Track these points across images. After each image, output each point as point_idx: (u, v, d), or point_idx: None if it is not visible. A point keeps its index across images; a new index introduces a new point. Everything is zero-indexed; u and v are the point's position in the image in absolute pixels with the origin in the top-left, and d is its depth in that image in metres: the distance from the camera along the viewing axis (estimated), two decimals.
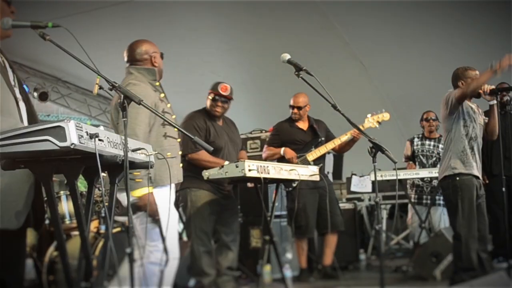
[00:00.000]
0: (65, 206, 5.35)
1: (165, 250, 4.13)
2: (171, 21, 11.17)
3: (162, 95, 4.52)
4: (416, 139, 8.45)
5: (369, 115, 6.94)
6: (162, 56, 4.71)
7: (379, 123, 6.85)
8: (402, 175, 7.71)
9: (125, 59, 4.65)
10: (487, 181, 7.49)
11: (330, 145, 7.01)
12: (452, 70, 6.25)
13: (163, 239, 4.14)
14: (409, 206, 8.43)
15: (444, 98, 6.01)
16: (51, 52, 10.78)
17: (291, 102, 7.23)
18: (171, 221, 4.22)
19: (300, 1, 10.39)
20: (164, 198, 4.18)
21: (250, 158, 6.61)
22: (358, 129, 4.79)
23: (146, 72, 4.53)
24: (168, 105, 4.53)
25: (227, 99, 6.25)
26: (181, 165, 4.73)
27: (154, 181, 4.20)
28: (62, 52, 3.24)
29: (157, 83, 4.53)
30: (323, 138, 7.12)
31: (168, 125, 4.32)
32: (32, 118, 3.32)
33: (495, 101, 5.96)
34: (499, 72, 5.57)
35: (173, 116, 4.56)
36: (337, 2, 10.35)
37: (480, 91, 5.89)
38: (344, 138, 6.92)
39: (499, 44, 10.31)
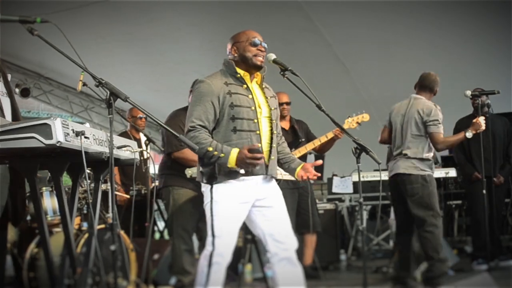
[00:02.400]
0: (47, 202, 5.33)
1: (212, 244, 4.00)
2: (153, 20, 11.14)
3: (244, 86, 4.21)
4: None
5: (349, 117, 6.94)
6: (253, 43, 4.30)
7: (358, 124, 6.84)
8: (385, 176, 7.77)
9: None
10: (478, 176, 7.53)
11: (310, 146, 7.01)
12: (434, 72, 6.37)
13: (213, 235, 4.02)
14: (391, 207, 8.50)
15: (428, 109, 6.13)
16: (33, 48, 10.72)
17: None
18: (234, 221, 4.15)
19: (284, 2, 10.42)
20: (222, 193, 4.04)
21: None
22: (342, 129, 4.79)
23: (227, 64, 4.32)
24: (250, 96, 4.20)
25: None
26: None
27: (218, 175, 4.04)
28: (45, 48, 3.21)
29: (238, 75, 4.24)
30: (303, 139, 7.14)
31: (239, 119, 4.11)
32: (15, 113, 3.31)
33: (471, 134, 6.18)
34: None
35: (252, 108, 4.19)
36: (320, 3, 10.38)
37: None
38: (324, 139, 6.93)
39: (483, 47, 10.42)
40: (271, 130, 4.29)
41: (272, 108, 4.33)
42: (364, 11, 10.28)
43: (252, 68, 4.25)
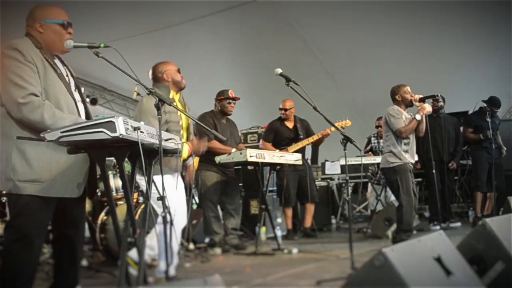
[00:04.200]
0: (112, 182, 5.37)
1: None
2: (188, 45, 11.24)
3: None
4: (373, 138, 8.75)
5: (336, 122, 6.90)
6: (178, 71, 4.48)
7: (342, 128, 6.82)
8: (364, 160, 7.85)
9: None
10: (420, 167, 7.63)
11: (305, 142, 7.11)
12: (406, 80, 6.36)
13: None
14: (369, 184, 8.57)
15: (385, 115, 6.11)
16: (99, 68, 10.75)
17: (280, 106, 7.30)
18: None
19: (284, 29, 10.47)
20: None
21: (249, 147, 6.64)
22: (334, 126, 4.81)
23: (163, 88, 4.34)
24: (178, 113, 4.26)
25: (235, 100, 6.33)
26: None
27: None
28: (108, 67, 3.23)
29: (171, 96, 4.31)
30: (301, 136, 7.17)
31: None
32: (88, 115, 3.33)
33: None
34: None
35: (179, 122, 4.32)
36: (315, 29, 10.40)
37: (412, 98, 6.01)
38: (315, 137, 7.01)
39: (476, 48, 10.25)
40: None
41: None
42: (352, 33, 10.25)
43: None
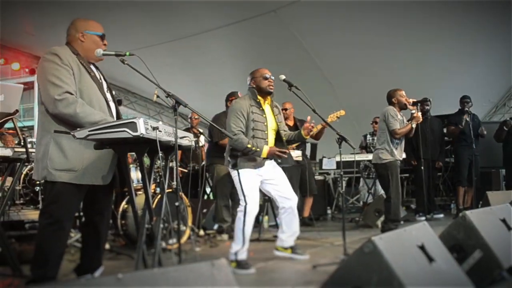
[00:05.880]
0: (133, 174, 5.37)
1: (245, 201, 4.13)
2: (204, 52, 11.23)
3: (261, 108, 4.31)
4: (368, 135, 8.69)
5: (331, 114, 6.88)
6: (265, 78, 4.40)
7: (337, 117, 6.79)
8: (357, 157, 7.81)
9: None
10: (415, 163, 7.56)
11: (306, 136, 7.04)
12: (396, 84, 6.33)
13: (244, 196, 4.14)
14: (361, 178, 8.54)
15: (383, 113, 6.05)
16: (124, 73, 10.80)
17: (281, 107, 7.29)
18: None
19: (288, 40, 10.45)
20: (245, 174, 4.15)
21: None
22: (330, 126, 4.78)
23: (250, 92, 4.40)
24: (263, 115, 4.31)
25: None
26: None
27: (238, 165, 4.15)
28: (132, 72, 3.24)
29: (258, 99, 4.34)
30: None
31: (256, 129, 4.22)
32: (118, 114, 3.37)
33: (415, 111, 6.04)
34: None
35: (264, 123, 4.31)
36: (315, 40, 10.37)
37: (406, 102, 5.97)
38: (315, 130, 6.94)
39: (469, 51, 10.18)
40: (275, 137, 4.40)
41: (278, 123, 4.42)
42: (347, 42, 10.23)
43: (266, 94, 4.36)
